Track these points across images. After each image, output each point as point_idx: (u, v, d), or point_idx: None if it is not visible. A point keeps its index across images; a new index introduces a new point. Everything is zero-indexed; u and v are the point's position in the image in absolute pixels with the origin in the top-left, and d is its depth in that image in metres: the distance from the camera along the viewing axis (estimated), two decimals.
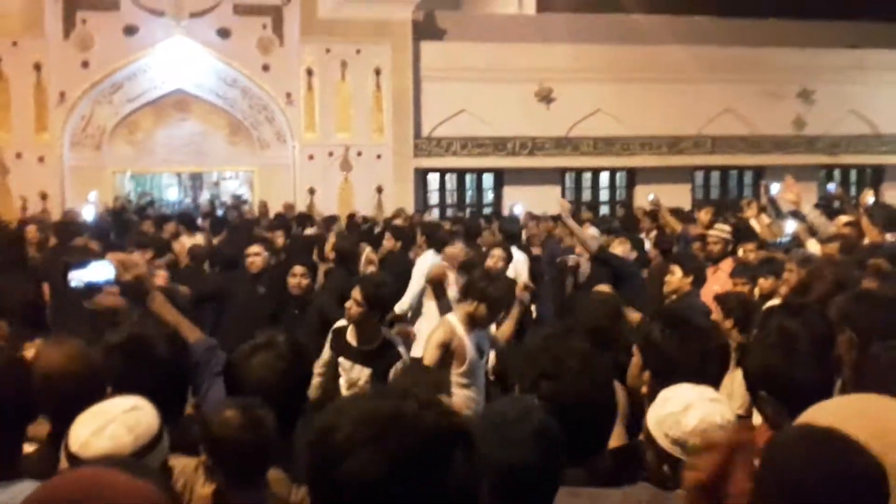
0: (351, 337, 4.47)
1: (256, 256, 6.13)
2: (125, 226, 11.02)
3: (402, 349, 4.53)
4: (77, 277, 2.55)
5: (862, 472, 1.34)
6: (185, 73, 15.01)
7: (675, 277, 5.35)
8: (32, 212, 12.94)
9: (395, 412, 1.16)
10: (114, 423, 1.80)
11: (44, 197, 13.71)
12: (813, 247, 6.32)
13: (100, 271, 2.55)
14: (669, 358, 2.44)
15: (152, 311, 2.67)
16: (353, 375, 4.42)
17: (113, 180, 15.17)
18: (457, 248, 6.51)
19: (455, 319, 4.53)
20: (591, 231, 7.55)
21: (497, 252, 6.54)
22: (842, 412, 1.52)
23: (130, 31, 14.48)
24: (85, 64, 14.31)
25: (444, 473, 1.13)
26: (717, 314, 4.46)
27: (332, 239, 7.51)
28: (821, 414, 1.52)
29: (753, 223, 7.80)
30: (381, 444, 1.12)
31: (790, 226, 7.05)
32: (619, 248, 6.77)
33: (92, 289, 2.56)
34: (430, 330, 4.80)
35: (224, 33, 14.79)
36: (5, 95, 13.98)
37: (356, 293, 4.32)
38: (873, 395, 1.60)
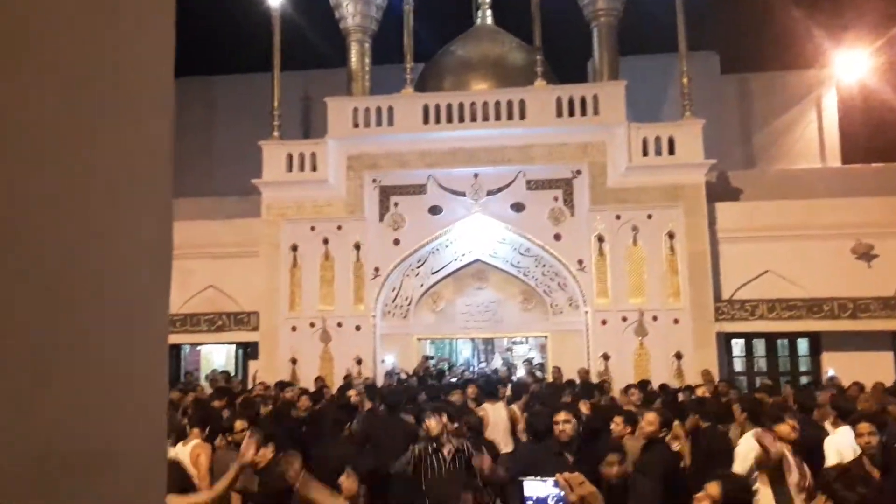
0: None
1: (566, 424, 5.80)
2: (429, 390, 11.34)
3: None
4: (530, 492, 2.73)
5: None
6: (482, 245, 15.90)
7: None
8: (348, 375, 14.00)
9: None
10: None
11: (359, 362, 14.86)
12: None
13: (549, 489, 2.69)
14: None
15: None
16: None
17: (417, 346, 16.10)
18: (788, 426, 5.59)
19: None
20: None
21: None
22: None
23: (435, 210, 15.78)
24: (396, 242, 15.75)
25: None
26: None
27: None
28: None
29: None
30: None
31: None
32: None
33: None
34: None
35: (518, 207, 15.55)
36: (331, 272, 15.73)
37: None
38: None
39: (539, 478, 2.74)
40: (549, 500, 2.61)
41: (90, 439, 0.73)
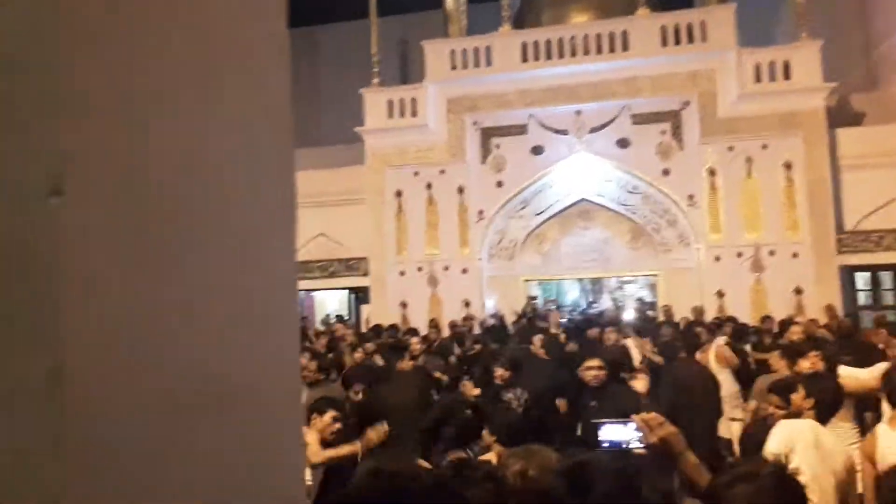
0: None
1: (600, 370, 5.91)
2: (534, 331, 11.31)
3: None
4: (606, 437, 2.62)
5: None
6: (587, 184, 15.61)
7: None
8: (457, 318, 14.23)
9: None
10: None
11: (467, 304, 15.08)
12: None
13: (628, 432, 2.58)
14: None
15: (684, 473, 2.45)
16: None
17: (524, 288, 16.14)
18: None
19: None
20: None
21: None
22: None
23: (537, 150, 15.55)
24: (499, 184, 15.67)
25: None
26: None
27: None
28: None
29: None
30: None
31: None
32: None
33: (621, 449, 2.62)
34: None
35: (623, 143, 15.11)
36: (435, 216, 15.88)
37: None
38: None
39: (618, 420, 2.64)
40: (631, 443, 2.52)
41: (233, 375, 0.78)
